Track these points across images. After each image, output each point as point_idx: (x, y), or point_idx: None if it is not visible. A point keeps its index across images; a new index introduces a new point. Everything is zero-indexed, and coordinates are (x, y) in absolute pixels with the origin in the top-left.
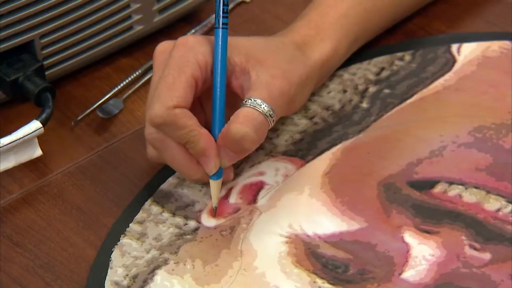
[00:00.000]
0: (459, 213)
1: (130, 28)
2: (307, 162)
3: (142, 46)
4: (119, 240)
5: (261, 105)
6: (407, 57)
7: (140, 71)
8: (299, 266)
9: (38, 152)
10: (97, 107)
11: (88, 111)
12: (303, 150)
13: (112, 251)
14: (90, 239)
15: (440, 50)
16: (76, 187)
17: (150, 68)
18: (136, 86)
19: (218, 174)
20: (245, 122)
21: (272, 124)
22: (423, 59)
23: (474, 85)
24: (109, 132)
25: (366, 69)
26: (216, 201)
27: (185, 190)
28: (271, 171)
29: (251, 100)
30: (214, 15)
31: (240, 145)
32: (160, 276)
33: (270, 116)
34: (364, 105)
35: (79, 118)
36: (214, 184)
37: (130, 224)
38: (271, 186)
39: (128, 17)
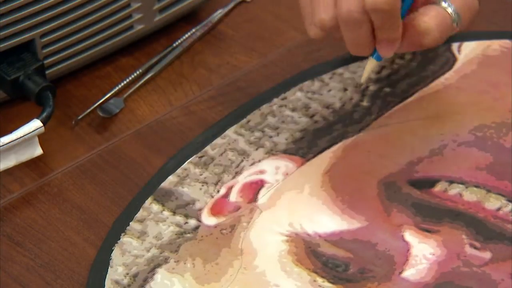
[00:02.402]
0: (460, 212)
1: (130, 27)
2: (308, 160)
3: (143, 45)
4: (120, 239)
5: (452, 11)
6: (408, 55)
7: (140, 71)
8: (299, 265)
9: (38, 151)
10: (97, 106)
11: (89, 110)
12: (304, 149)
13: (113, 250)
14: (90, 238)
15: (440, 49)
16: (77, 186)
17: (150, 67)
18: (137, 85)
19: (379, 56)
20: (433, 19)
21: (454, 32)
22: (423, 58)
23: (474, 84)
24: (109, 131)
25: None
26: (366, 77)
27: (185, 188)
28: (271, 170)
29: (445, 2)
30: (214, 15)
31: (420, 38)
32: (161, 275)
33: (456, 24)
34: (365, 103)
35: (80, 117)
36: (374, 63)
37: (130, 223)
38: (271, 184)
39: (129, 16)
